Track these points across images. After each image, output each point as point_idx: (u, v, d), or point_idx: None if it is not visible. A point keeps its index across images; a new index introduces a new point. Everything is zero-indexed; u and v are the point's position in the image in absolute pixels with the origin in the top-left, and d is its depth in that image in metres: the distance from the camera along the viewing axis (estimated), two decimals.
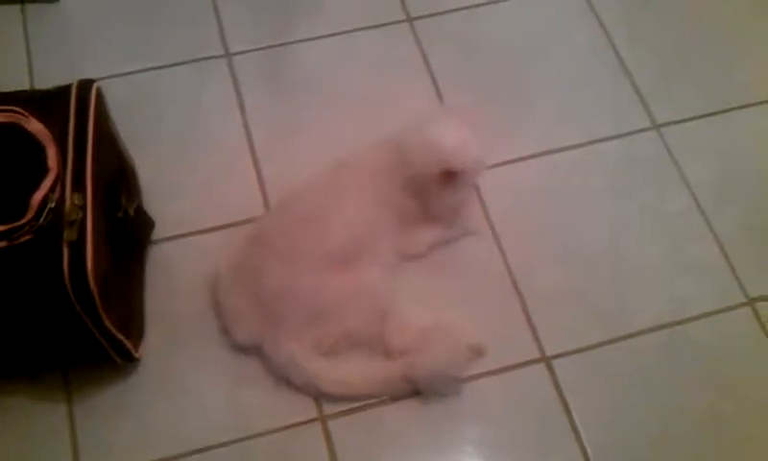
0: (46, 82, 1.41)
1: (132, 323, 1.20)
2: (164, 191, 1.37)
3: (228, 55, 1.55)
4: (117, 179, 1.19)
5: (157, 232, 1.33)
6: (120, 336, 1.13)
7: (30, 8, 1.58)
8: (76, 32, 1.58)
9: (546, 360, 1.25)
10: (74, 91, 1.15)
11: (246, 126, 1.46)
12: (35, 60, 1.51)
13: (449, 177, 1.25)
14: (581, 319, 1.29)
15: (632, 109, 1.50)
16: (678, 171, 1.44)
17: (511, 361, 1.25)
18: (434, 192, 1.26)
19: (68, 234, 1.03)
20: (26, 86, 1.47)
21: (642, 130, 1.48)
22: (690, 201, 1.41)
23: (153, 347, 1.24)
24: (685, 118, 1.50)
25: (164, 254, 1.32)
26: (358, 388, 1.20)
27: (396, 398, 1.20)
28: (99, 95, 1.18)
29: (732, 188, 1.43)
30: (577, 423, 1.20)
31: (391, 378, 1.20)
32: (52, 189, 1.06)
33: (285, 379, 1.20)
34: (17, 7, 1.57)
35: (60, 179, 1.07)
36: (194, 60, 1.54)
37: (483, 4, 1.63)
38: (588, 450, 1.18)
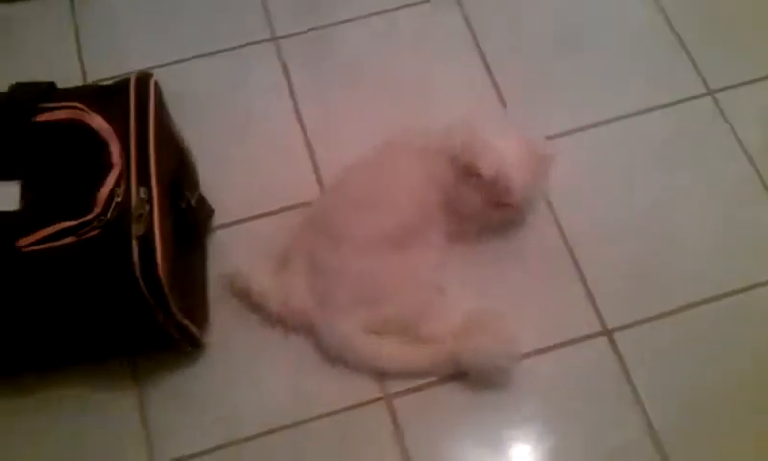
0: (97, 72, 1.47)
1: (198, 310, 1.22)
2: (220, 179, 1.37)
3: (274, 38, 1.55)
4: (178, 170, 1.21)
5: (216, 220, 1.35)
6: (187, 323, 1.15)
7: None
8: (123, 21, 1.59)
9: (608, 333, 1.25)
10: (133, 85, 1.16)
11: (296, 109, 1.47)
12: (84, 51, 1.53)
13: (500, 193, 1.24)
14: (641, 291, 1.28)
15: (686, 76, 1.48)
16: (735, 137, 1.41)
17: (572, 336, 1.25)
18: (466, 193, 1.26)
19: (136, 228, 1.05)
20: (78, 77, 1.49)
21: (696, 96, 1.46)
22: (748, 166, 1.39)
23: (216, 333, 1.26)
24: (739, 83, 1.47)
25: (223, 241, 1.34)
26: (412, 365, 1.21)
27: (449, 377, 1.21)
28: (157, 88, 1.19)
29: None
30: (641, 395, 1.20)
31: (441, 361, 1.21)
32: (117, 184, 1.07)
33: (341, 360, 1.21)
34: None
35: (124, 174, 1.09)
36: (240, 46, 1.54)
37: None
38: (654, 423, 1.18)
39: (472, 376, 1.20)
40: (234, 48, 1.55)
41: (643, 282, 1.29)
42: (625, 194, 1.38)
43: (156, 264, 1.04)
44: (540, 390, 1.22)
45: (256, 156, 1.42)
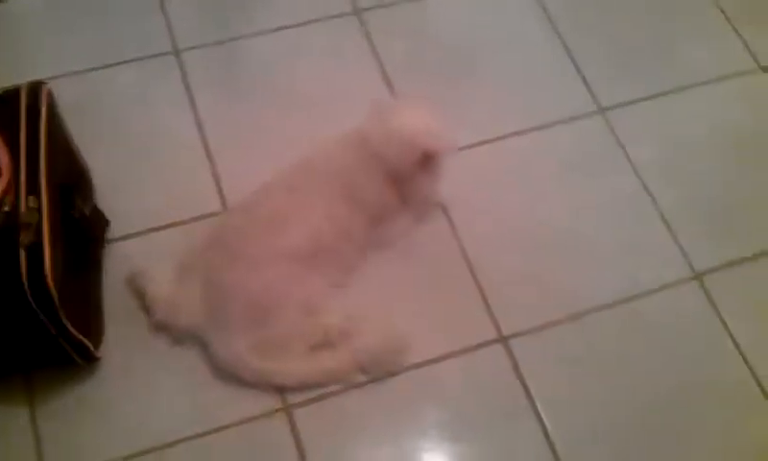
0: None
1: (92, 322, 1.20)
2: (118, 190, 1.36)
3: (176, 51, 1.55)
4: (71, 180, 1.19)
5: (113, 231, 1.33)
6: (80, 337, 1.13)
7: None
8: (22, 32, 1.56)
9: (503, 340, 1.28)
10: (24, 94, 1.15)
11: (198, 123, 1.46)
12: None
13: (427, 160, 1.27)
14: (536, 299, 1.32)
15: (578, 95, 1.54)
16: (624, 153, 1.48)
17: (468, 343, 1.27)
18: (413, 179, 1.28)
19: (24, 237, 1.03)
20: None
21: (588, 114, 1.52)
22: (636, 181, 1.45)
23: (112, 345, 1.23)
24: (628, 101, 1.54)
25: (121, 253, 1.32)
26: (311, 378, 1.22)
27: (351, 384, 1.22)
28: (50, 97, 1.18)
29: (675, 167, 1.47)
30: (536, 401, 1.23)
31: (340, 365, 1.22)
32: (5, 193, 1.05)
33: (235, 377, 1.21)
34: None
35: (12, 183, 1.07)
36: (143, 58, 1.54)
37: None
38: (549, 428, 1.21)
39: (372, 371, 1.21)
40: (136, 60, 1.54)
41: (538, 291, 1.33)
42: (523, 205, 1.42)
43: (44, 274, 1.02)
44: (440, 397, 1.24)
45: (157, 168, 1.41)
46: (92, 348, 1.17)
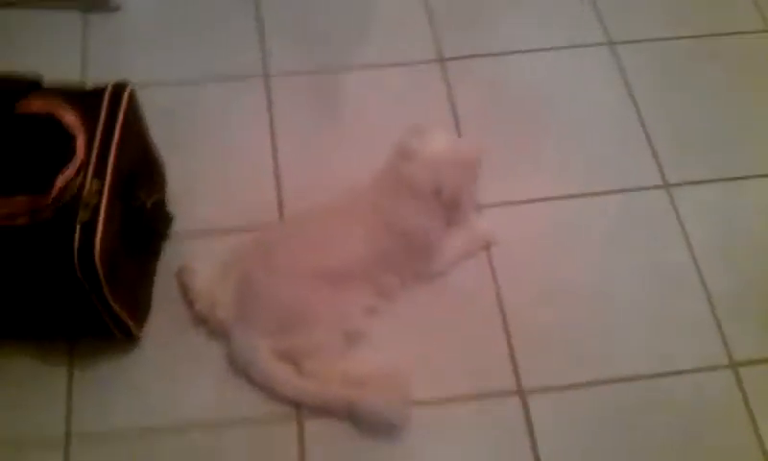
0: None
1: (138, 304, 1.30)
2: (189, 192, 1.47)
3: (266, 75, 1.65)
4: (139, 172, 1.30)
5: (177, 227, 1.43)
6: (123, 314, 1.23)
7: (91, 17, 1.72)
8: (131, 41, 1.71)
9: (522, 393, 1.29)
10: (109, 90, 1.27)
11: (273, 143, 1.56)
12: (88, 66, 1.65)
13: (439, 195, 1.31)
14: (563, 359, 1.33)
15: (644, 167, 1.55)
16: (681, 230, 1.47)
17: (486, 389, 1.30)
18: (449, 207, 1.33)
19: (82, 215, 1.14)
20: None
21: (651, 187, 1.52)
22: (688, 259, 1.43)
23: (155, 331, 1.33)
24: (695, 181, 1.53)
25: (179, 248, 1.42)
26: (305, 397, 1.26)
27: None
28: (131, 96, 1.29)
29: (733, 254, 1.45)
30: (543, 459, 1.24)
31: (332, 401, 1.25)
32: (76, 174, 1.17)
33: (245, 374, 1.28)
34: (78, 14, 1.72)
35: (84, 166, 1.18)
36: (234, 78, 1.65)
37: (514, 52, 1.70)
38: None
39: (363, 424, 1.25)
40: (229, 79, 1.65)
41: (566, 351, 1.33)
42: (568, 265, 1.43)
43: (94, 249, 1.12)
44: (450, 435, 1.26)
45: (229, 178, 1.51)
46: (133, 327, 1.27)
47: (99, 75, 1.60)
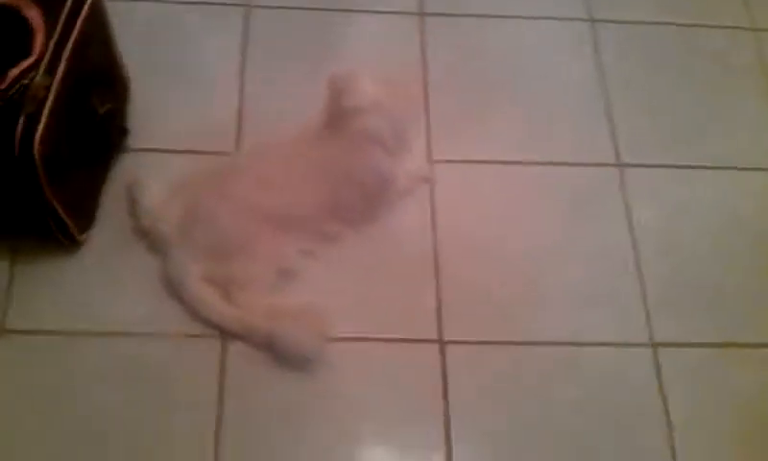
0: None
1: (82, 209, 1.34)
2: (155, 111, 1.50)
3: (246, 5, 1.67)
4: (95, 79, 1.32)
5: (134, 142, 1.46)
6: (63, 214, 1.26)
7: None
8: None
9: (442, 343, 1.32)
10: None
11: (242, 74, 1.57)
12: None
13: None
14: (487, 317, 1.36)
15: (601, 143, 1.56)
16: (625, 211, 1.48)
17: (409, 335, 1.33)
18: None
19: (28, 107, 1.17)
20: None
21: (604, 164, 1.53)
22: (627, 239, 1.46)
23: (98, 239, 1.37)
24: (648, 164, 1.54)
25: (133, 162, 1.45)
26: (226, 323, 1.30)
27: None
28: (96, 2, 1.31)
29: (672, 240, 1.47)
30: (450, 407, 1.27)
31: (250, 329, 1.29)
32: (29, 69, 1.20)
33: (176, 294, 1.31)
34: None
35: (38, 62, 1.21)
36: (217, 3, 1.67)
37: (495, 16, 1.71)
38: (453, 435, 1.25)
39: (279, 355, 1.28)
40: (221, 3, 1.67)
41: (492, 310, 1.37)
42: (508, 229, 1.46)
43: (33, 141, 1.15)
44: (364, 373, 1.30)
45: (192, 99, 1.53)
46: (74, 230, 1.31)
47: None
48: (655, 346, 1.35)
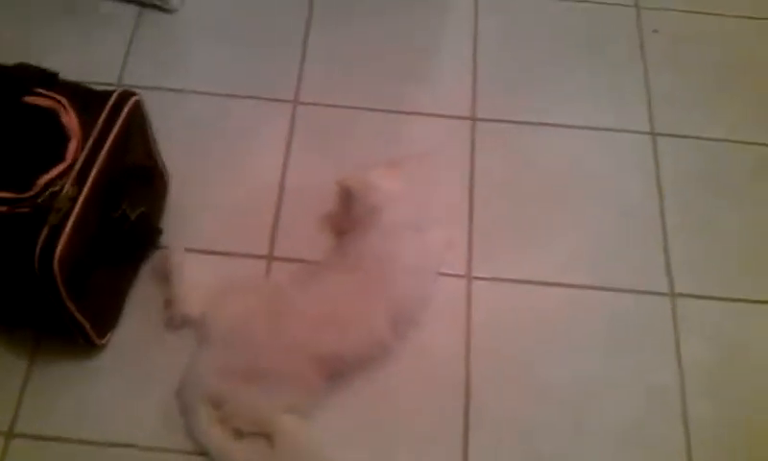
0: (133, 83, 1.59)
1: (104, 314, 1.32)
2: (194, 207, 1.49)
3: (295, 102, 1.65)
4: (129, 183, 1.31)
5: (169, 240, 1.44)
6: (83, 321, 1.25)
7: (147, 13, 1.75)
8: (180, 44, 1.74)
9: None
10: (114, 97, 1.28)
11: (283, 172, 1.55)
12: (130, 60, 1.67)
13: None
14: (516, 453, 1.28)
15: (653, 268, 1.47)
16: (675, 345, 1.38)
17: None
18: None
19: (52, 218, 1.16)
20: (114, 82, 1.64)
21: (655, 292, 1.44)
22: (674, 377, 1.36)
23: (122, 338, 1.35)
24: (704, 296, 1.44)
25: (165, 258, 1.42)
26: (215, 449, 1.25)
27: None
28: (136, 106, 1.30)
29: (721, 382, 1.36)
30: None
31: None
32: (59, 176, 1.19)
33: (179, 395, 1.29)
34: (135, 9, 1.75)
35: (68, 170, 1.20)
36: (266, 99, 1.65)
37: (550, 124, 1.64)
38: None
39: None
40: (260, 98, 1.66)
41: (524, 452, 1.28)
42: (550, 358, 1.38)
43: (54, 252, 1.14)
44: None
45: (233, 201, 1.51)
46: (94, 336, 1.29)
47: (137, 72, 1.65)
48: None
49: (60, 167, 1.20)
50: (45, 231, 1.15)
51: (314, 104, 1.66)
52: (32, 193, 1.17)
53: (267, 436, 1.25)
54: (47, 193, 1.18)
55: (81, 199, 1.19)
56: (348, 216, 1.38)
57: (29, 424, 1.28)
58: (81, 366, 1.33)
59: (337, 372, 1.31)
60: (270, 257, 1.46)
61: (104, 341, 1.33)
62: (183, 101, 1.63)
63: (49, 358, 1.33)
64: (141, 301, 1.39)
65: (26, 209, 1.17)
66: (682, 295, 1.44)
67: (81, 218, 1.18)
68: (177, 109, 1.60)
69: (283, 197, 1.52)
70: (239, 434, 1.25)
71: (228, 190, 1.53)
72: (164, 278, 1.39)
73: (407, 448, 1.28)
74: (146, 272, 1.42)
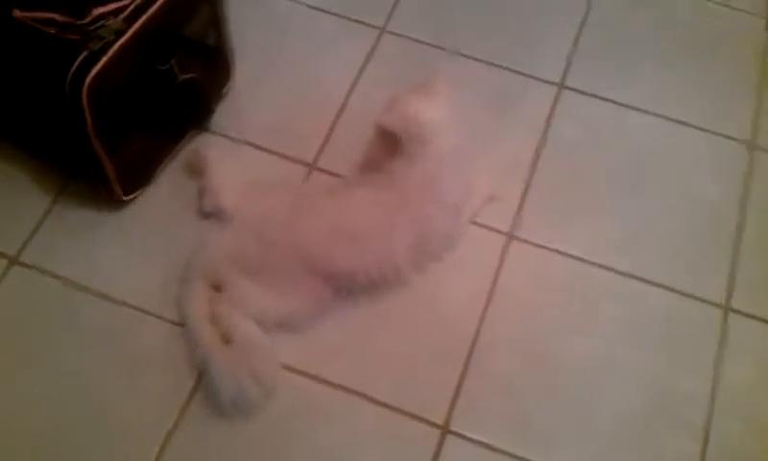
0: None
1: (133, 169, 1.31)
2: (254, 100, 1.47)
3: (383, 29, 1.60)
4: (187, 45, 1.30)
5: (219, 124, 1.43)
6: (107, 166, 1.25)
7: None
8: None
9: (444, 431, 1.15)
10: None
11: (352, 87, 1.50)
12: None
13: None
14: (505, 419, 1.18)
15: (714, 282, 1.32)
16: (714, 359, 1.24)
17: (408, 407, 1.17)
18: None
19: (93, 45, 1.15)
20: None
21: (708, 301, 1.30)
22: (707, 390, 1.22)
23: (147, 205, 1.34)
24: (760, 318, 1.29)
25: (212, 144, 1.42)
26: (190, 321, 1.21)
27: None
28: None
29: (756, 402, 1.22)
30: None
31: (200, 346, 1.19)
32: (114, 13, 1.19)
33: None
34: None
35: (123, 9, 1.20)
36: (355, 20, 1.61)
37: (642, 110, 1.52)
38: None
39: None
40: (349, 18, 1.61)
41: (513, 413, 1.19)
42: (567, 337, 1.26)
43: (85, 76, 1.13)
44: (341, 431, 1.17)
45: (294, 103, 1.48)
46: (118, 187, 1.29)
47: None
48: None
49: (117, 4, 1.20)
50: (82, 56, 1.15)
51: (400, 35, 1.60)
52: (83, 21, 1.17)
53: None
54: (99, 24, 1.17)
55: (126, 34, 1.18)
56: (389, 154, 1.29)
57: (34, 257, 1.28)
58: (101, 219, 1.32)
59: (345, 288, 1.24)
60: (313, 166, 1.41)
61: (128, 198, 1.32)
62: (273, 1, 1.61)
63: (72, 203, 1.34)
64: (177, 179, 1.38)
65: (75, 36, 1.17)
66: (735, 311, 1.29)
67: (122, 53, 1.17)
68: (264, 8, 1.59)
69: (342, 115, 1.48)
70: (226, 339, 1.20)
71: (291, 94, 1.50)
72: (201, 171, 1.36)
73: (391, 380, 1.20)
74: (186, 154, 1.40)
